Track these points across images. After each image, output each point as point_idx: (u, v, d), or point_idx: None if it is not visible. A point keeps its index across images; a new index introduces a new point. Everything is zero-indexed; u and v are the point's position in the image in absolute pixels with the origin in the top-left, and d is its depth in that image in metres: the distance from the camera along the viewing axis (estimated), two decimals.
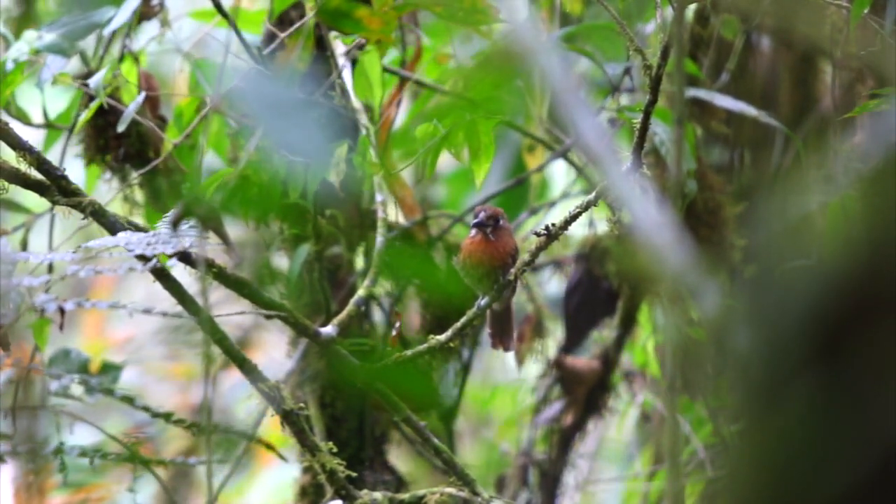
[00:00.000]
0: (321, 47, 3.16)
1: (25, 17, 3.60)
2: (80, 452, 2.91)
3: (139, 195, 3.37)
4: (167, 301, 2.61)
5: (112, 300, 2.48)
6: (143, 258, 2.45)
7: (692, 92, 3.29)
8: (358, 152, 2.89)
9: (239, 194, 2.64)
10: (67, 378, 2.86)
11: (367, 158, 2.86)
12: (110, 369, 3.30)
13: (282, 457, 3.02)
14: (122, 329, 4.80)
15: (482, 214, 2.75)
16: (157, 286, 2.59)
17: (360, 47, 3.08)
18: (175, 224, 2.42)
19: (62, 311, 2.42)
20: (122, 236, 2.50)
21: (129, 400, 2.87)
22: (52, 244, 3.27)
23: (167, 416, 2.86)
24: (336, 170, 2.93)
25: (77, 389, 3.05)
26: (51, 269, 3.09)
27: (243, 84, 2.34)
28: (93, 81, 3.05)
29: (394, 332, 2.80)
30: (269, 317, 2.70)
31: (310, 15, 2.97)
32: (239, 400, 3.84)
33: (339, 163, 2.92)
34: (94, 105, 3.03)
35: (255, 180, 2.69)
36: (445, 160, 2.93)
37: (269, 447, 2.97)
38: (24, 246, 3.34)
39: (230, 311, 2.65)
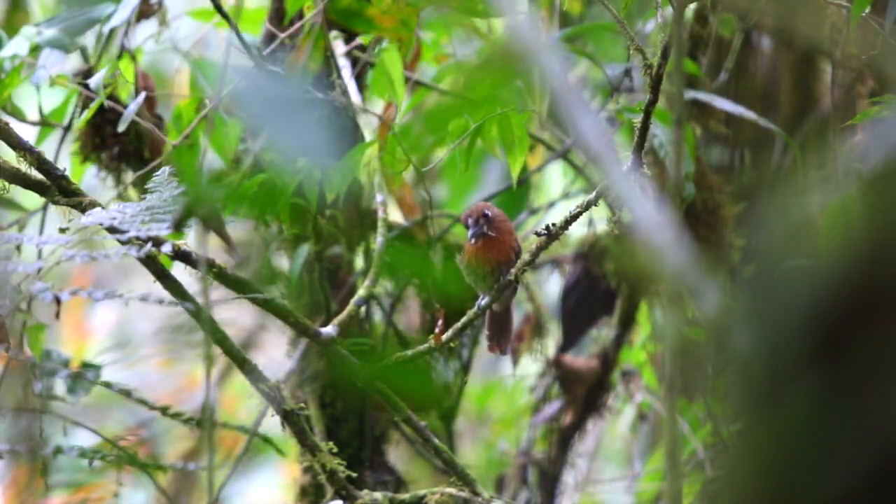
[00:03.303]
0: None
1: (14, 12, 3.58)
2: (80, 454, 2.91)
3: (134, 195, 3.36)
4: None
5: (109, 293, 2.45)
6: (139, 241, 2.39)
7: (692, 94, 3.29)
8: (386, 151, 2.88)
9: (246, 195, 2.63)
10: (66, 373, 2.85)
11: (397, 156, 2.84)
12: (90, 369, 3.29)
13: (280, 451, 3.03)
14: (101, 326, 4.79)
15: (470, 221, 2.71)
16: (156, 286, 2.58)
17: (378, 44, 3.06)
18: (177, 225, 2.41)
19: (58, 300, 2.40)
20: (114, 211, 2.45)
21: (126, 393, 2.86)
22: None
23: (164, 410, 2.85)
24: (366, 170, 2.91)
25: (61, 390, 3.05)
26: (40, 256, 3.07)
27: (246, 84, 2.33)
28: (93, 81, 3.04)
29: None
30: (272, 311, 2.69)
31: (310, 15, 2.97)
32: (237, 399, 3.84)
33: (370, 162, 2.91)
34: (94, 105, 3.02)
35: (278, 182, 2.67)
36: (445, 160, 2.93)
37: (267, 440, 2.98)
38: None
39: (230, 303, 2.63)
